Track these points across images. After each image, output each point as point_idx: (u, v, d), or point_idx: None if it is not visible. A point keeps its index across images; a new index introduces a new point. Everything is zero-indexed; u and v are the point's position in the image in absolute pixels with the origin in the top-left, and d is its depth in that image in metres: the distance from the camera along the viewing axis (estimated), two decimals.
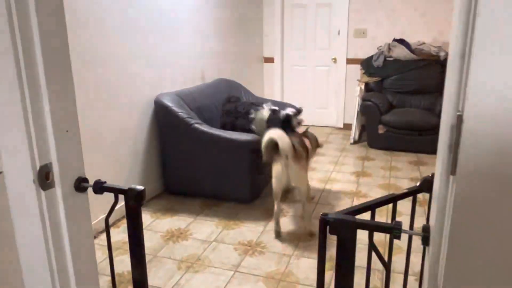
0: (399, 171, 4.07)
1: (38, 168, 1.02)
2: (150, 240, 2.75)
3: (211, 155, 3.24)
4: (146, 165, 3.35)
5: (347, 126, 5.65)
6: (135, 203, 1.05)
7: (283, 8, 5.73)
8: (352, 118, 5.22)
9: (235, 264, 2.48)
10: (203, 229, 2.92)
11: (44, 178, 1.03)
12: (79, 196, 1.13)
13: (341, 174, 4.00)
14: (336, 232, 0.86)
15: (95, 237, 2.76)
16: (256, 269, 2.43)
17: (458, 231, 0.66)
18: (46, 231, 1.06)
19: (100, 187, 1.08)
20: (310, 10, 5.63)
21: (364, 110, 4.83)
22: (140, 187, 1.07)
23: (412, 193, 1.05)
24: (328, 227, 0.87)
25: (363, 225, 0.85)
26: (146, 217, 3.08)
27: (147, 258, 2.53)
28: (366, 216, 1.01)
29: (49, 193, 1.05)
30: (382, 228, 0.86)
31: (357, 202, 3.35)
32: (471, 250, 0.67)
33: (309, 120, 6.00)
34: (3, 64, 0.94)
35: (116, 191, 1.09)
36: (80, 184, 1.11)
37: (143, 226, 2.92)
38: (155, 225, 2.97)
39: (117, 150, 3.00)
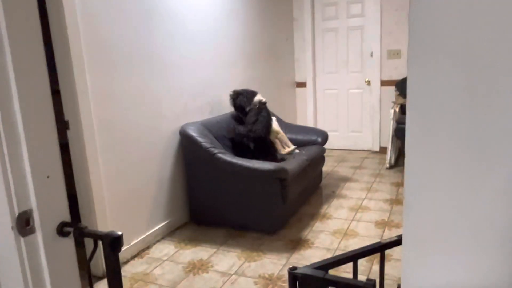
0: None
1: (16, 214, 1.03)
2: (171, 272, 2.73)
3: (235, 185, 3.21)
4: (171, 195, 3.37)
5: (384, 150, 5.44)
6: (110, 249, 1.03)
7: (313, 32, 5.70)
8: (388, 141, 5.02)
9: None
10: (225, 260, 2.86)
11: (23, 224, 1.04)
12: (63, 241, 1.12)
13: (374, 202, 3.82)
14: None
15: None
16: None
17: None
18: (26, 277, 1.06)
19: (79, 233, 1.08)
20: (342, 33, 5.56)
21: (399, 133, 4.63)
22: (117, 233, 1.05)
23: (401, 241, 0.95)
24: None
25: (334, 282, 0.77)
26: (170, 248, 3.08)
27: None
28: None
29: (29, 239, 1.06)
30: (354, 286, 0.77)
31: (388, 233, 3.17)
32: None
33: (343, 144, 5.85)
34: None
35: (95, 236, 1.07)
36: (63, 229, 1.11)
37: (167, 257, 2.93)
38: (178, 256, 2.96)
39: (142, 180, 3.05)
